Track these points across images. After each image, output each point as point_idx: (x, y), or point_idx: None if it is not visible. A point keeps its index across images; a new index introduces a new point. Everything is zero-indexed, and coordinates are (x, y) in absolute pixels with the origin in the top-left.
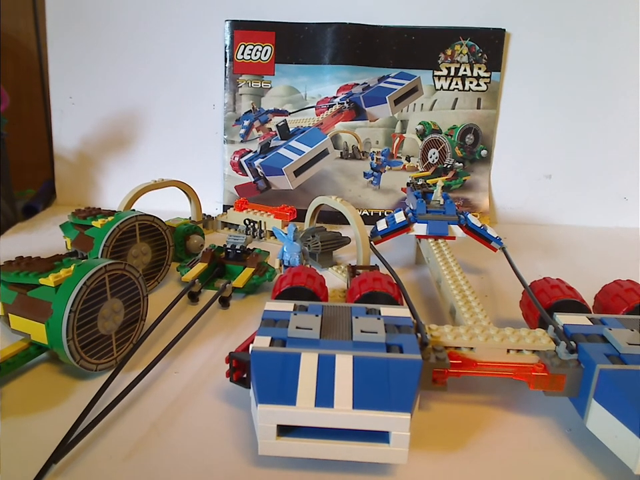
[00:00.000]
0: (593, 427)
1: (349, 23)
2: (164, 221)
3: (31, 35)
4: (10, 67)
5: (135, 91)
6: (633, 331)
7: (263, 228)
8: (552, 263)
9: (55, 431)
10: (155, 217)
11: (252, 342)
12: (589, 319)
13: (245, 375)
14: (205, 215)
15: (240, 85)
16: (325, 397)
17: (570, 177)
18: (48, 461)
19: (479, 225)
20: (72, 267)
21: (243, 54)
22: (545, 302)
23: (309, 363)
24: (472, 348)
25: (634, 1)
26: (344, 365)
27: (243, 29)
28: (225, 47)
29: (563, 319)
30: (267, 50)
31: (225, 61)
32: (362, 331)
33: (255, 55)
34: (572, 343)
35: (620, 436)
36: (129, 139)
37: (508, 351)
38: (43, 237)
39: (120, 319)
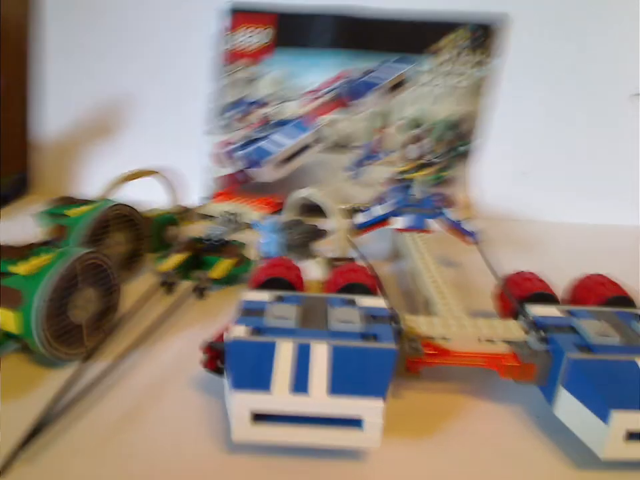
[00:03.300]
0: (560, 414)
1: (342, 11)
2: (141, 211)
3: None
4: None
5: (118, 79)
6: (601, 322)
7: (241, 220)
8: (530, 257)
9: (23, 420)
10: (130, 206)
11: (226, 331)
12: (559, 311)
13: (220, 364)
14: (183, 206)
15: (226, 75)
16: (300, 384)
17: (552, 172)
18: (16, 450)
19: (455, 219)
20: (45, 256)
21: (229, 43)
22: (517, 294)
23: (284, 351)
24: (446, 338)
25: None
26: (319, 353)
27: (238, 13)
28: (213, 35)
29: (534, 310)
30: (255, 39)
31: (213, 50)
32: (338, 321)
33: (246, 42)
34: (542, 333)
35: (587, 422)
36: (112, 130)
37: (481, 340)
38: (16, 227)
39: (93, 308)
